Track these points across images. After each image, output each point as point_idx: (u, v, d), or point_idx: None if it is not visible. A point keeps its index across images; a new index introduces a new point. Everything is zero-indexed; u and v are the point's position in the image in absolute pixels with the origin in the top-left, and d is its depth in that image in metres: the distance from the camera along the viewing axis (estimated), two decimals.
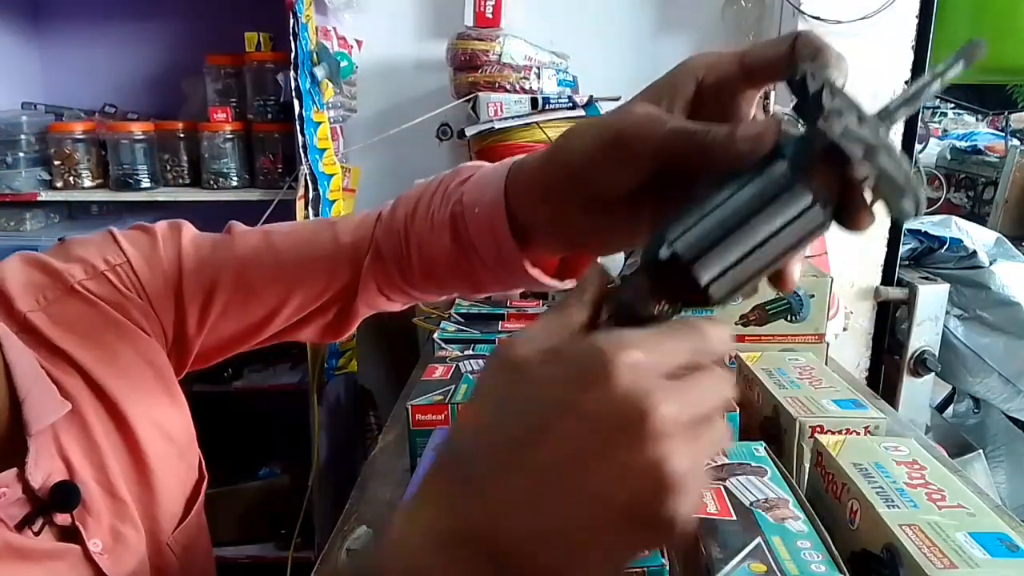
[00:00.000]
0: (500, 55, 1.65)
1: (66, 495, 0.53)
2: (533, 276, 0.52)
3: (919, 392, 1.62)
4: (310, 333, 0.66)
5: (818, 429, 0.72)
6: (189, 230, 0.64)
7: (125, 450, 0.58)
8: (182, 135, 1.82)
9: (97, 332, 0.58)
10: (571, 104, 1.60)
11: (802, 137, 0.35)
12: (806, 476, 0.70)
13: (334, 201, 1.74)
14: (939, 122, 3.63)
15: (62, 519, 0.53)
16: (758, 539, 0.51)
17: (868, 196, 0.34)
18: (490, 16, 1.69)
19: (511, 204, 0.48)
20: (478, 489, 0.32)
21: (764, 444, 0.66)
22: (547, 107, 1.59)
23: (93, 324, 0.58)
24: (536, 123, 1.59)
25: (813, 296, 1.04)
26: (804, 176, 0.34)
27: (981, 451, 1.61)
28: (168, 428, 0.61)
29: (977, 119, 3.25)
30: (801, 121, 0.35)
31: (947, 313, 1.61)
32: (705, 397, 0.32)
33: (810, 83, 0.35)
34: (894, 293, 1.63)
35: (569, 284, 0.54)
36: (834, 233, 0.36)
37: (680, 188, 0.38)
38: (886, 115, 0.35)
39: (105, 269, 0.59)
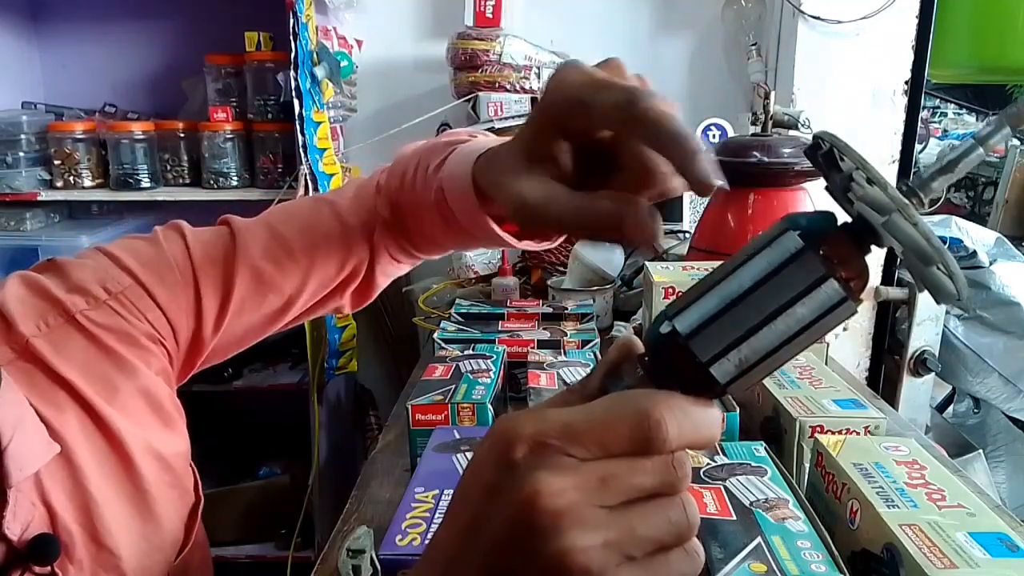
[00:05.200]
0: (500, 55, 1.65)
1: (44, 548, 0.51)
2: (520, 246, 0.56)
3: (919, 392, 1.62)
4: (330, 310, 0.69)
5: (818, 429, 0.72)
6: (189, 229, 0.63)
7: (126, 480, 0.56)
8: (182, 135, 1.82)
9: (97, 365, 0.56)
10: None
11: (816, 211, 0.32)
12: (806, 476, 0.70)
13: None
14: (939, 122, 3.63)
15: (41, 569, 0.51)
16: (758, 539, 0.51)
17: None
18: (490, 16, 1.69)
19: (481, 189, 0.50)
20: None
21: (764, 444, 0.66)
22: None
23: (93, 357, 0.56)
24: None
25: None
26: (816, 245, 0.31)
27: (981, 451, 1.61)
28: (166, 456, 0.60)
29: (977, 119, 3.25)
30: (834, 196, 0.33)
31: (947, 313, 1.61)
32: (648, 529, 0.30)
33: (822, 145, 0.33)
34: (894, 293, 1.63)
35: (530, 244, 0.56)
36: None
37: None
38: (922, 184, 0.32)
39: (107, 299, 0.57)
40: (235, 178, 1.79)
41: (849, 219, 0.33)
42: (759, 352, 0.31)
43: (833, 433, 0.71)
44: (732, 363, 0.31)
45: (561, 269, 1.49)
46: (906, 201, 0.30)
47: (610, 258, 1.40)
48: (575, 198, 0.41)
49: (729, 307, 0.31)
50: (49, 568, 0.52)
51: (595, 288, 1.35)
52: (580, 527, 0.29)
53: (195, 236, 0.62)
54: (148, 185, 1.79)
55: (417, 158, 0.60)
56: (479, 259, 1.54)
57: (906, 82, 1.60)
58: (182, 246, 0.61)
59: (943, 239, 1.76)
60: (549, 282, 1.44)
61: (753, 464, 0.63)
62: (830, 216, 0.32)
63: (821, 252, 0.31)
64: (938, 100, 2.89)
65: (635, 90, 0.37)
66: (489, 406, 0.77)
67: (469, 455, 0.65)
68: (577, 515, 0.29)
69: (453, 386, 0.82)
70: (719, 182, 0.34)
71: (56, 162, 1.78)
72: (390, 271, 0.67)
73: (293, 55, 1.58)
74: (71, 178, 1.79)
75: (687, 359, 0.32)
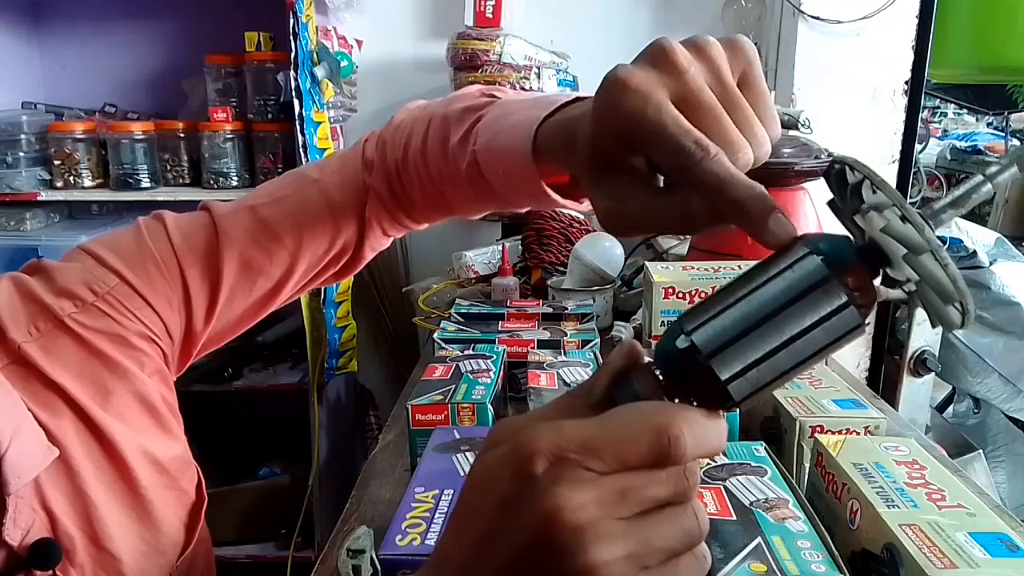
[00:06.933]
0: (500, 55, 1.65)
1: (46, 553, 0.51)
2: (560, 203, 0.51)
3: (919, 392, 1.62)
4: (317, 286, 0.69)
5: (818, 429, 0.72)
6: (171, 220, 0.62)
7: (122, 485, 0.56)
8: (182, 135, 1.82)
9: (89, 369, 0.55)
10: None
11: (835, 236, 0.32)
12: (806, 476, 0.70)
13: None
14: (939, 122, 3.62)
15: (43, 573, 0.52)
16: (758, 539, 0.51)
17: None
18: (490, 16, 1.69)
19: (544, 159, 0.47)
20: None
21: (764, 444, 0.66)
22: None
23: (85, 361, 0.55)
24: None
25: None
26: (839, 273, 0.31)
27: (981, 451, 1.61)
28: (161, 459, 0.60)
29: (977, 119, 3.24)
30: (839, 214, 0.33)
31: None
32: (663, 539, 0.31)
33: (849, 176, 0.32)
34: (894, 293, 1.62)
35: (575, 205, 0.52)
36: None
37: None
38: (932, 215, 0.32)
39: (94, 300, 0.56)
40: (235, 178, 1.79)
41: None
42: (775, 371, 0.32)
43: (833, 433, 0.71)
44: (749, 382, 0.32)
45: (561, 269, 1.49)
46: (939, 243, 0.30)
47: (610, 258, 1.40)
48: (668, 204, 0.36)
49: (750, 328, 0.32)
50: (51, 572, 0.52)
51: (595, 288, 1.35)
52: (602, 541, 0.29)
53: (178, 227, 0.61)
54: (148, 185, 1.78)
55: (424, 126, 0.58)
56: (479, 259, 1.54)
57: (906, 82, 1.60)
58: (166, 239, 0.60)
59: (943, 239, 1.76)
60: (549, 282, 1.44)
61: (753, 464, 0.63)
62: (849, 242, 0.33)
63: (843, 280, 0.32)
64: (938, 100, 2.88)
65: (687, 151, 0.33)
66: (489, 406, 0.77)
67: (469, 455, 0.65)
68: (599, 529, 0.29)
69: (453, 386, 0.82)
70: (791, 232, 0.32)
71: (56, 162, 1.78)
72: (380, 244, 0.67)
73: (293, 55, 1.58)
74: (71, 178, 1.78)
75: (705, 375, 0.32)
